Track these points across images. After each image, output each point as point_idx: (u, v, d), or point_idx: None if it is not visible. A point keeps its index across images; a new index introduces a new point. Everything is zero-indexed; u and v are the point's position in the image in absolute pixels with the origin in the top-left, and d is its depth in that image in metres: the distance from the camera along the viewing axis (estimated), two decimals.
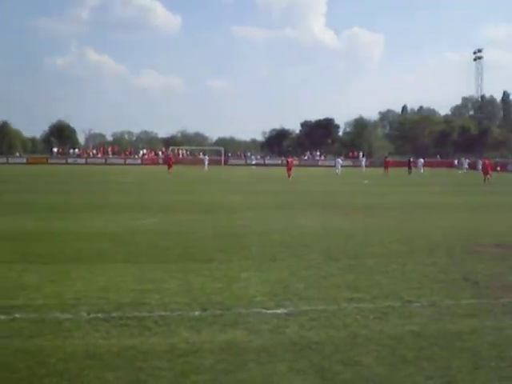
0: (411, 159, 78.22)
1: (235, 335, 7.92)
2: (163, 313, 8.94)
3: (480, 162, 73.81)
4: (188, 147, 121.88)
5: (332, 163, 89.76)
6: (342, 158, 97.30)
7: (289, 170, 55.67)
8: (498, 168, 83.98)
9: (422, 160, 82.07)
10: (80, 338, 7.77)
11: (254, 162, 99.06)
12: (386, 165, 73.06)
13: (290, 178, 53.36)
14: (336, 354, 7.18)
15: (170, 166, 67.23)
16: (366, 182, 51.55)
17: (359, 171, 79.23)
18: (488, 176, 50.61)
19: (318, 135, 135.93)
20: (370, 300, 9.80)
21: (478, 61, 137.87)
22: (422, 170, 77.01)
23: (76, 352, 7.21)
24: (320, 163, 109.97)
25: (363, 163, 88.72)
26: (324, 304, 9.55)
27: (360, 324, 8.48)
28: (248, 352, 7.26)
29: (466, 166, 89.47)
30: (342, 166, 73.37)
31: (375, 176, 64.47)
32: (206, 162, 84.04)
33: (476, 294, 10.34)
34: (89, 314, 8.85)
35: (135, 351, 7.24)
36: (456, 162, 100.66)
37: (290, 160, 58.74)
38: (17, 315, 8.74)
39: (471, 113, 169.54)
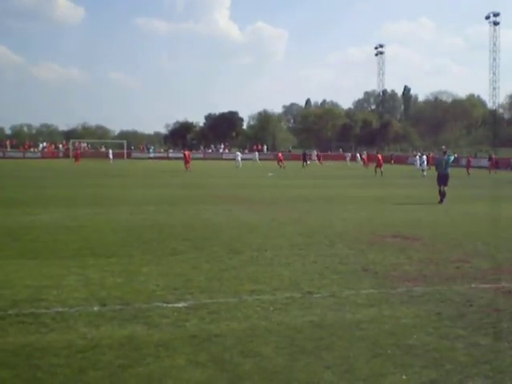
0: (306, 152, 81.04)
1: (135, 330, 7.82)
2: (61, 309, 8.74)
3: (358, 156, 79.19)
4: (90, 140, 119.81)
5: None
6: (241, 151, 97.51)
7: (187, 162, 55.88)
8: (392, 161, 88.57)
9: (315, 152, 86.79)
10: None
11: (151, 156, 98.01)
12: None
13: (189, 171, 53.42)
14: (236, 346, 7.18)
15: (77, 160, 66.21)
16: (270, 174, 51.85)
17: (264, 164, 79.57)
18: (381, 169, 51.94)
19: (222, 128, 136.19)
20: (270, 292, 9.84)
21: (379, 56, 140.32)
22: (316, 162, 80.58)
23: None
24: (224, 156, 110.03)
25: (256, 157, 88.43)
26: (225, 297, 9.55)
27: (260, 316, 8.51)
28: (147, 346, 7.19)
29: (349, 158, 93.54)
30: (242, 159, 74.39)
31: (276, 169, 64.96)
32: (111, 156, 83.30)
33: (375, 284, 10.54)
34: None
35: (32, 348, 7.05)
36: (358, 155, 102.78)
37: (187, 153, 58.80)
38: None
39: (373, 107, 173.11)
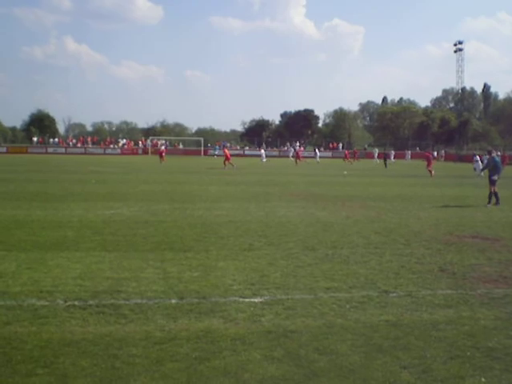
0: (386, 151, 79.37)
1: (211, 323, 7.93)
2: (140, 301, 8.94)
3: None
4: (167, 137, 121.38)
5: (312, 154, 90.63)
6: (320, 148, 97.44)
7: (227, 159, 57.25)
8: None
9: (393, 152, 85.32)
10: (56, 325, 7.77)
11: (216, 153, 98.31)
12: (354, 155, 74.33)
13: (227, 167, 55.27)
14: (312, 343, 7.21)
15: (161, 158, 66.85)
16: (345, 173, 51.53)
17: (339, 162, 79.20)
18: (429, 168, 49.49)
19: (298, 126, 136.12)
20: (346, 289, 9.83)
21: (458, 53, 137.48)
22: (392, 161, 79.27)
23: (52, 339, 7.21)
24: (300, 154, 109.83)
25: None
26: (300, 293, 9.58)
27: (336, 313, 8.51)
28: (223, 340, 7.28)
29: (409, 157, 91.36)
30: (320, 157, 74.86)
31: (354, 167, 64.54)
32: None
33: (453, 284, 10.40)
34: (65, 301, 8.85)
35: (111, 338, 7.25)
36: (436, 153, 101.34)
37: (226, 150, 61.95)
38: None
39: (451, 105, 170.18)
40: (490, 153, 27.14)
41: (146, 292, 9.43)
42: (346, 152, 78.12)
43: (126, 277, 10.38)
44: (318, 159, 76.00)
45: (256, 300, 9.11)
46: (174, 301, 8.98)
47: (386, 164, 68.75)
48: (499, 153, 63.58)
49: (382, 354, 6.91)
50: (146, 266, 11.30)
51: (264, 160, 72.80)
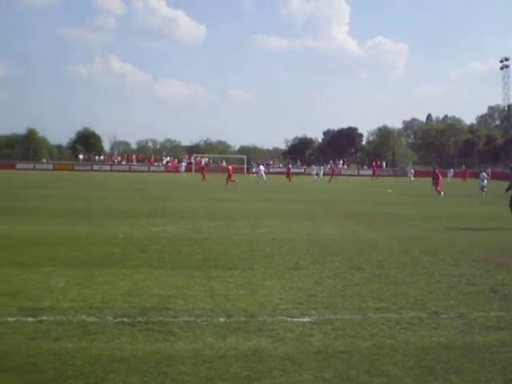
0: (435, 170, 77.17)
1: (260, 342, 7.88)
2: (188, 318, 8.94)
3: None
4: (211, 155, 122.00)
5: (355, 172, 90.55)
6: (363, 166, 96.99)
7: (229, 176, 57.42)
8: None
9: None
10: (106, 341, 7.79)
11: (254, 171, 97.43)
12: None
13: (231, 184, 54.56)
14: (362, 364, 7.11)
15: (203, 175, 66.87)
16: (389, 191, 51.15)
17: (381, 180, 78.74)
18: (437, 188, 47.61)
19: (341, 144, 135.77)
20: (395, 310, 9.71)
21: (504, 69, 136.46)
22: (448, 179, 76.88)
23: (102, 355, 7.22)
24: (343, 172, 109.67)
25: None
26: (349, 313, 9.48)
27: (386, 334, 8.40)
28: (272, 359, 7.22)
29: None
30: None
31: (398, 185, 64.02)
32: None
33: (505, 306, 10.20)
34: (114, 317, 8.88)
35: (160, 356, 7.24)
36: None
37: (230, 167, 62.06)
38: (44, 317, 8.82)
39: (497, 122, 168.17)
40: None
41: (194, 310, 9.42)
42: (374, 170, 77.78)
43: (173, 294, 10.39)
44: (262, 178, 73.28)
45: (304, 320, 9.03)
46: (221, 319, 8.95)
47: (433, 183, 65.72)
48: None
49: (434, 376, 6.79)
50: (192, 284, 11.30)
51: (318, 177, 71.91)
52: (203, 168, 74.67)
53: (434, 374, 6.86)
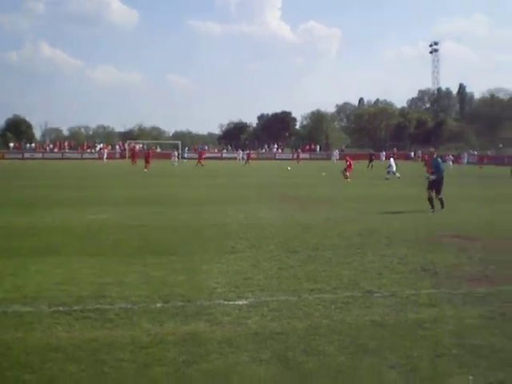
0: (372, 152, 77.60)
1: (197, 326, 7.91)
2: (124, 305, 8.90)
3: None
4: (145, 141, 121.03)
5: (289, 156, 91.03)
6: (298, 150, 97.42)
7: (146, 162, 57.22)
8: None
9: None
10: (42, 330, 7.71)
11: (186, 156, 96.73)
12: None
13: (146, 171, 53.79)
14: (299, 344, 7.21)
15: (133, 160, 65.49)
16: (323, 174, 51.56)
17: (317, 164, 79.36)
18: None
19: (276, 128, 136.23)
20: (330, 291, 9.85)
21: (434, 53, 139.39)
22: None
23: (38, 345, 7.16)
24: (277, 156, 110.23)
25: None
26: (285, 295, 9.59)
27: (321, 314, 8.53)
28: (210, 343, 7.26)
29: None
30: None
31: (331, 168, 64.61)
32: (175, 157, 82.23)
33: (436, 284, 10.46)
34: (50, 307, 8.79)
35: (98, 343, 7.21)
36: (412, 154, 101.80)
37: (150, 151, 64.60)
38: None
39: (428, 106, 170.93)
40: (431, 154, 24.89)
41: (131, 296, 9.38)
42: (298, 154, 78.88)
43: (110, 281, 10.32)
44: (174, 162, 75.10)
45: (241, 302, 9.09)
46: (159, 305, 8.95)
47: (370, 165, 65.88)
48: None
49: (369, 354, 6.93)
50: (128, 271, 11.24)
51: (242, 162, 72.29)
52: (134, 153, 73.94)
53: (368, 352, 7.00)
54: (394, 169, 47.06)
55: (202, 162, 68.06)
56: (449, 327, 7.97)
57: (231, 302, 9.10)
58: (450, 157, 55.45)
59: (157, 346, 7.15)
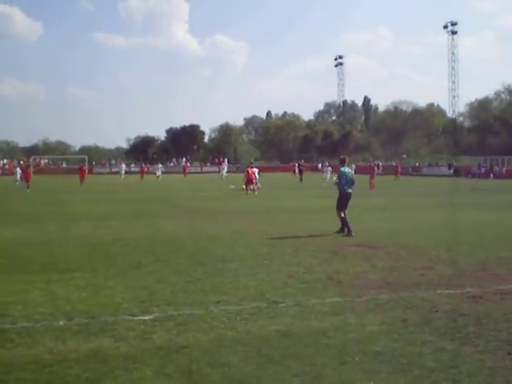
0: (300, 163, 75.76)
1: (101, 343, 7.80)
2: (26, 324, 8.70)
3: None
4: (51, 156, 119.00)
5: (198, 170, 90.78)
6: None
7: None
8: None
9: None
10: None
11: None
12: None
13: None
14: (203, 357, 7.21)
15: (82, 178, 62.15)
16: (232, 187, 51.66)
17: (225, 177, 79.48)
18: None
19: (184, 142, 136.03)
20: (236, 302, 9.89)
21: (339, 67, 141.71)
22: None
23: None
24: (186, 170, 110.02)
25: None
26: (191, 308, 9.56)
27: (227, 326, 8.54)
28: (115, 359, 7.18)
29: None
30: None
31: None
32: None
33: (340, 292, 10.61)
34: None
35: None
36: (320, 165, 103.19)
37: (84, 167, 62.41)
38: None
39: (334, 118, 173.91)
40: (342, 162, 19.99)
41: (33, 315, 9.18)
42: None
43: (12, 300, 10.06)
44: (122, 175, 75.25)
45: (146, 317, 9.02)
46: (62, 322, 8.78)
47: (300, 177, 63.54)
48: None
49: (274, 363, 6.98)
50: (31, 288, 10.99)
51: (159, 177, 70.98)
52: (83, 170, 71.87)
53: (273, 361, 7.04)
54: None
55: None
56: (352, 335, 8.09)
57: (136, 318, 9.01)
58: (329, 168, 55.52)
59: (59, 364, 7.01)
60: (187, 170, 78.73)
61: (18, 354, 7.39)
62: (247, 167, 45.36)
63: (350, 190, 19.33)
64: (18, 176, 55.79)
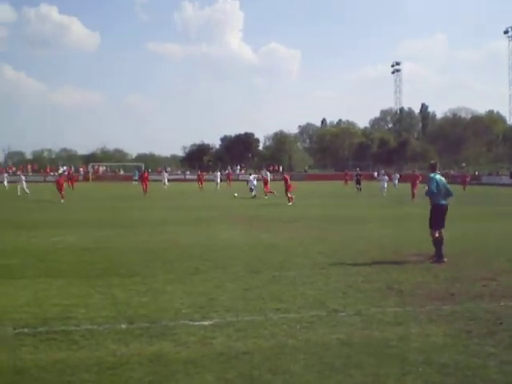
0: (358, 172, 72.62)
1: (162, 347, 7.89)
2: (90, 326, 8.86)
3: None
4: (108, 163, 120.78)
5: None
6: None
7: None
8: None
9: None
10: (6, 352, 7.67)
11: (135, 178, 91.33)
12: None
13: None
14: (264, 364, 7.22)
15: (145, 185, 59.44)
16: (236, 195, 50.47)
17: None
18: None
19: (239, 150, 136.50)
20: (295, 310, 9.88)
21: (396, 74, 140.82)
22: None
23: (2, 367, 7.10)
24: (240, 177, 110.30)
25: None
26: (250, 315, 9.59)
27: (287, 333, 8.54)
28: (176, 363, 7.26)
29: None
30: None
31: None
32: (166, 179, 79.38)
33: (401, 302, 10.52)
34: (14, 328, 8.73)
35: (63, 365, 7.16)
36: (376, 174, 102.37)
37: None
38: None
39: (390, 125, 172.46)
40: (433, 168, 16.27)
41: (96, 318, 9.34)
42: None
43: (75, 303, 10.27)
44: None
45: (206, 323, 9.08)
46: (124, 326, 8.91)
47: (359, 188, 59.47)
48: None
49: (335, 372, 6.96)
50: (93, 292, 11.19)
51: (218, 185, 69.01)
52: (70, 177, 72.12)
53: (334, 370, 7.03)
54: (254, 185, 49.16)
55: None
56: (414, 345, 8.01)
57: (196, 323, 9.08)
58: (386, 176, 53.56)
59: (122, 366, 7.13)
60: (231, 178, 77.09)
61: (82, 356, 7.52)
62: (283, 174, 45.15)
63: (444, 202, 15.76)
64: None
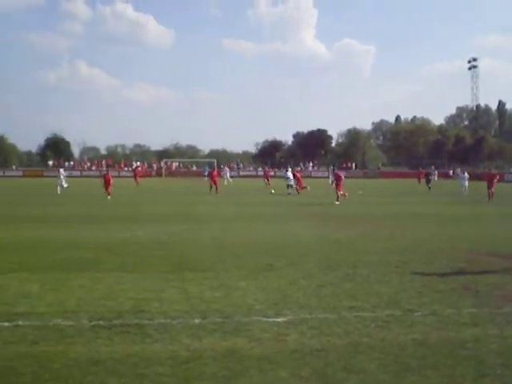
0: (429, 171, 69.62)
1: (236, 343, 7.89)
2: (163, 320, 8.93)
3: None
4: (181, 159, 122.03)
5: (325, 174, 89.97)
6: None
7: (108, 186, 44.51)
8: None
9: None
10: (83, 344, 7.77)
11: (206, 174, 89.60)
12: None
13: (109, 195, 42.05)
14: (339, 362, 7.15)
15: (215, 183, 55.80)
16: (360, 192, 51.04)
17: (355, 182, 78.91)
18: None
19: (311, 146, 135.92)
20: (370, 309, 9.76)
21: (472, 70, 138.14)
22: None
23: (79, 358, 7.20)
24: (313, 174, 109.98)
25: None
26: (324, 312, 9.51)
27: (361, 332, 8.45)
28: (249, 359, 7.24)
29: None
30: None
31: (368, 186, 64.17)
32: (228, 174, 79.49)
33: (477, 303, 10.29)
34: (90, 321, 8.85)
35: (137, 358, 7.23)
36: (451, 172, 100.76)
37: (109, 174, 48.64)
38: (20, 322, 8.78)
39: (466, 123, 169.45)
40: None
41: (169, 312, 9.42)
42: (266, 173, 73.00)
43: (148, 297, 10.37)
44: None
45: (279, 320, 9.05)
46: (197, 320, 8.95)
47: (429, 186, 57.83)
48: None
49: (411, 372, 6.84)
50: (166, 287, 11.29)
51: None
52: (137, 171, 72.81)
53: (410, 370, 6.91)
54: (292, 182, 48.57)
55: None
56: (492, 347, 7.82)
57: (270, 319, 9.05)
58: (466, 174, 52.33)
59: (196, 361, 7.15)
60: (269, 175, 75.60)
61: (156, 350, 7.58)
62: (333, 170, 44.61)
63: None
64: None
